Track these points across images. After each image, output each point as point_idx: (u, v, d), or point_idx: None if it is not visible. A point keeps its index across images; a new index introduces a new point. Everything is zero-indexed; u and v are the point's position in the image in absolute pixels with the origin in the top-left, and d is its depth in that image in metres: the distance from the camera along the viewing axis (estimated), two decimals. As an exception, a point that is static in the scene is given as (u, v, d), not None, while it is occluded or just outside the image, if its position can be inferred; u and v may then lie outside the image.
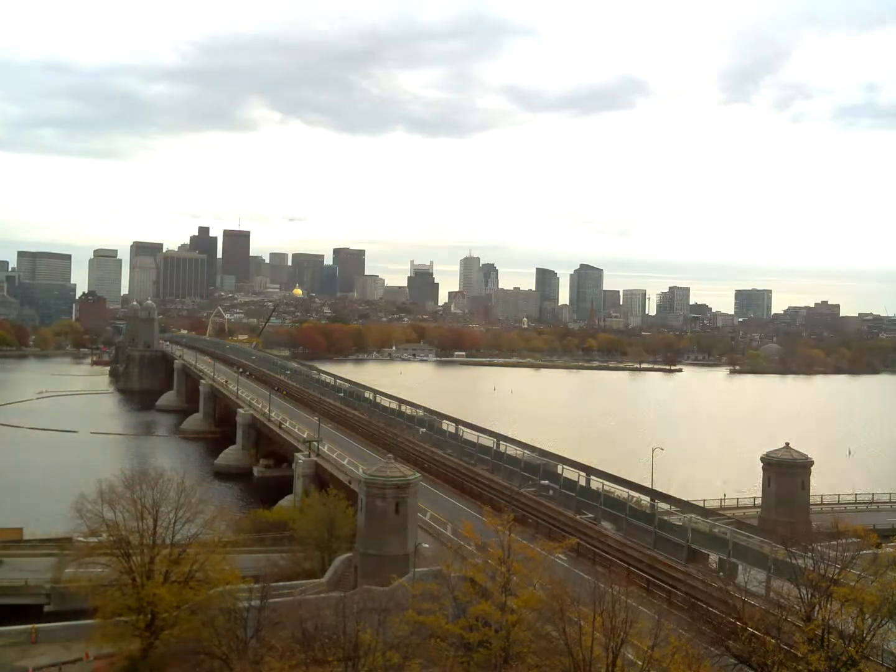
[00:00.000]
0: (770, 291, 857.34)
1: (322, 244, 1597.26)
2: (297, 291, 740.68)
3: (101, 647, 49.56)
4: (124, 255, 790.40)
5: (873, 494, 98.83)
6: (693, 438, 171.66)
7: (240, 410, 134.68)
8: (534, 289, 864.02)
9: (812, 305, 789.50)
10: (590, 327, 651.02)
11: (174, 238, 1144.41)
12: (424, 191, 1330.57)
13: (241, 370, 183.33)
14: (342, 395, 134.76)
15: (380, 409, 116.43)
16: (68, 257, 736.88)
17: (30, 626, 54.84)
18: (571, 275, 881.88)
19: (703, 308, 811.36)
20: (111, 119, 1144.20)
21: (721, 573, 48.78)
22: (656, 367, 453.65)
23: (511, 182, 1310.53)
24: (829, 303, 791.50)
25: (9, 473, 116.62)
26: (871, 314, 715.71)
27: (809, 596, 35.94)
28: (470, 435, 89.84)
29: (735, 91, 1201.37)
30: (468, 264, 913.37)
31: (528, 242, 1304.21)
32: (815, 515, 77.16)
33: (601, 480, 67.18)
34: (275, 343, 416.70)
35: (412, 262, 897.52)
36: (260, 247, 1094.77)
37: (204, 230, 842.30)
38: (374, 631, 37.92)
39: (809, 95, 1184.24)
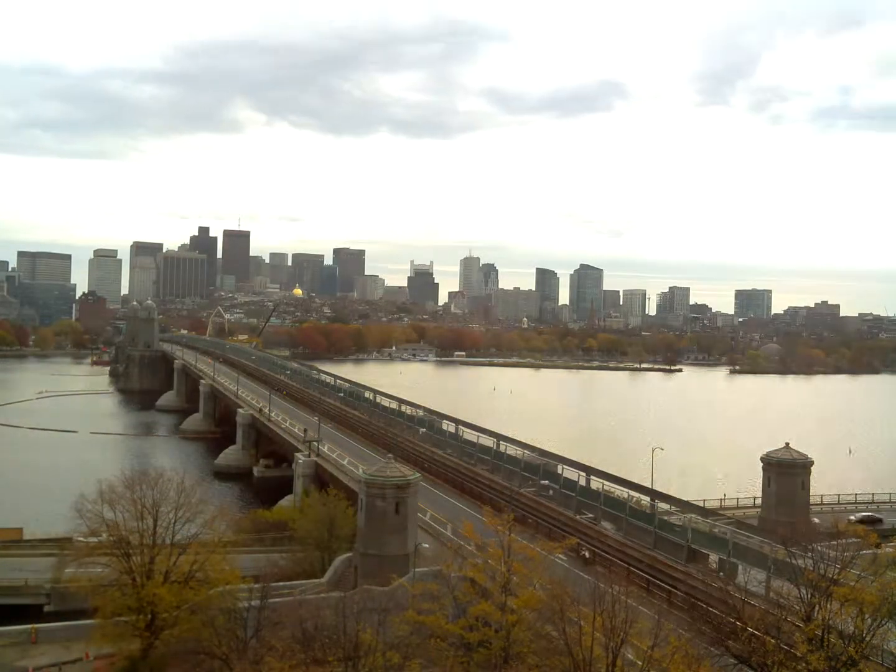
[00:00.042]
0: (770, 291, 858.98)
1: (322, 244, 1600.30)
2: (297, 291, 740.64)
3: (101, 647, 49.59)
4: (124, 255, 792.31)
5: (873, 494, 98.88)
6: (693, 438, 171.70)
7: (240, 410, 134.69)
8: (534, 289, 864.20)
9: (812, 305, 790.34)
10: (590, 327, 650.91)
11: (174, 238, 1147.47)
12: (424, 191, 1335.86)
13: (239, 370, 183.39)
14: (342, 395, 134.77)
15: (380, 409, 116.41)
16: (68, 257, 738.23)
17: (30, 626, 54.87)
18: (571, 275, 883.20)
19: (703, 308, 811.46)
20: (100, 121, 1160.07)
21: (721, 573, 48.76)
22: (656, 367, 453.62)
23: (508, 182, 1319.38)
24: (829, 303, 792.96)
25: (9, 473, 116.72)
26: (871, 314, 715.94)
27: (809, 596, 35.96)
28: (470, 435, 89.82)
29: (711, 94, 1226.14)
30: (468, 264, 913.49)
31: (528, 242, 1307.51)
32: (815, 515, 77.26)
33: (601, 480, 67.18)
34: (275, 343, 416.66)
35: (412, 262, 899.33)
36: (260, 247, 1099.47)
37: (204, 230, 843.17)
38: (374, 631, 37.93)
39: (785, 98, 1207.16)
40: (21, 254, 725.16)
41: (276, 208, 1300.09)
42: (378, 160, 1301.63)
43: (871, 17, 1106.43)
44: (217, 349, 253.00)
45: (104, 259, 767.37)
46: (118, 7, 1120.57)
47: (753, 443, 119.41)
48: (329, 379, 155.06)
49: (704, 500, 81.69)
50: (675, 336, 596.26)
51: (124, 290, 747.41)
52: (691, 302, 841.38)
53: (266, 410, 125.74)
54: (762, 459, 74.69)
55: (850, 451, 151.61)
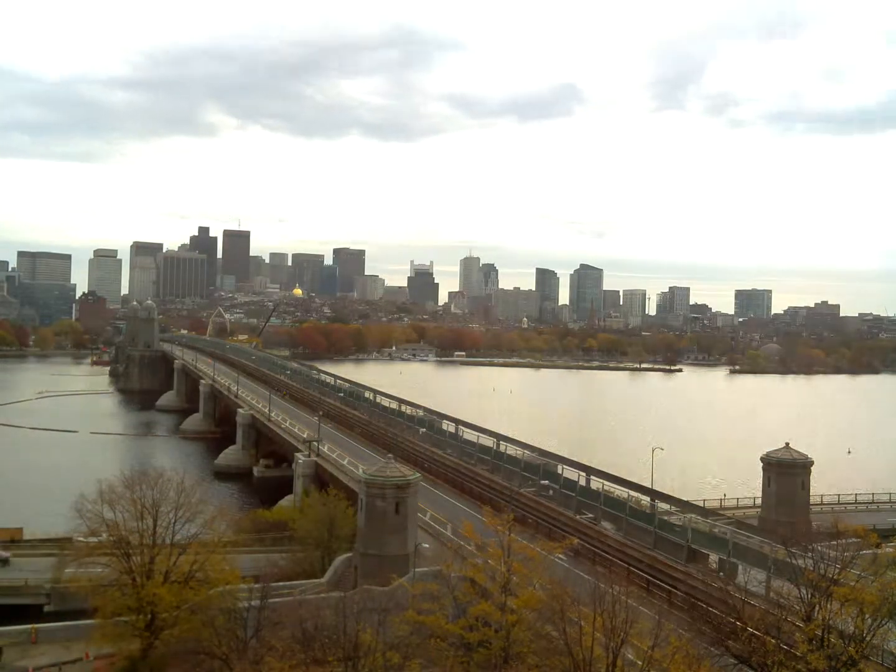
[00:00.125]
0: (770, 291, 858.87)
1: (322, 244, 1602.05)
2: (297, 291, 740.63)
3: (101, 647, 49.60)
4: (124, 256, 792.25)
5: (873, 494, 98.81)
6: (693, 438, 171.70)
7: (240, 410, 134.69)
8: (534, 289, 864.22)
9: (812, 305, 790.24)
10: (590, 327, 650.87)
11: (174, 238, 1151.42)
12: (422, 191, 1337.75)
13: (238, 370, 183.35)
14: (342, 395, 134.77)
15: (380, 409, 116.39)
16: (68, 257, 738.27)
17: (30, 626, 54.88)
18: (571, 275, 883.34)
19: (703, 308, 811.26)
20: (77, 125, 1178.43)
21: (721, 573, 48.77)
22: (656, 367, 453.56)
23: (506, 183, 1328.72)
24: (829, 303, 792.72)
25: (9, 473, 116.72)
26: (871, 314, 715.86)
27: (809, 596, 35.95)
28: (470, 435, 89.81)
29: (666, 98, 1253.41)
30: (468, 264, 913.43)
31: (529, 242, 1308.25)
32: (815, 515, 77.22)
33: (601, 480, 67.15)
34: (275, 343, 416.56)
35: (412, 262, 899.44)
36: (260, 247, 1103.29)
37: (204, 230, 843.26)
38: (374, 631, 37.92)
39: (738, 103, 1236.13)
40: (21, 254, 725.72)
41: (264, 209, 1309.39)
42: (365, 161, 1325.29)
43: (811, 25, 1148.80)
44: (217, 349, 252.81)
45: (104, 259, 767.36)
46: (83, 16, 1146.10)
47: (753, 443, 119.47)
48: (329, 379, 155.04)
49: (704, 500, 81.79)
50: (675, 336, 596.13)
51: (124, 290, 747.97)
52: (691, 302, 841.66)
53: (275, 416, 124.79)
54: (762, 459, 74.66)
55: (849, 452, 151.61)
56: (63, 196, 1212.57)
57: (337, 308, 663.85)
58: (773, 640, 34.36)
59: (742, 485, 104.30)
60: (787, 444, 74.01)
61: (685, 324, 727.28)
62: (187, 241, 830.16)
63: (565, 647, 35.03)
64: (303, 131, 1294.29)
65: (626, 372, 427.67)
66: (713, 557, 52.56)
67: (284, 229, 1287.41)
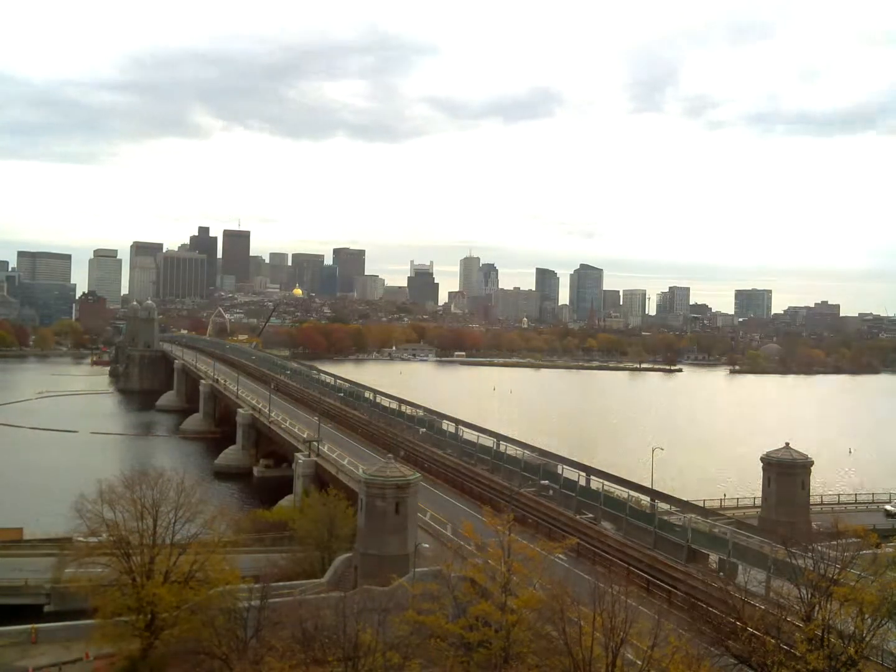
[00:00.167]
0: (770, 291, 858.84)
1: (322, 244, 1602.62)
2: (297, 291, 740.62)
3: (101, 647, 49.57)
4: (124, 256, 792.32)
5: (873, 494, 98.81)
6: (693, 438, 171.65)
7: (240, 410, 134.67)
8: (534, 289, 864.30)
9: (812, 305, 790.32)
10: (590, 327, 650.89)
11: (174, 238, 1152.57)
12: (421, 191, 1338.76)
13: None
14: (342, 395, 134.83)
15: (380, 409, 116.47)
16: (68, 257, 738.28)
17: (30, 626, 54.84)
18: (571, 275, 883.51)
19: (703, 308, 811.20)
20: (71, 127, 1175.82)
21: (721, 573, 48.80)
22: (656, 367, 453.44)
23: (496, 184, 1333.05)
24: (829, 303, 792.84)
25: (9, 473, 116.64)
26: (871, 314, 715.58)
27: (809, 596, 35.94)
28: (470, 435, 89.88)
29: (644, 100, 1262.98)
30: (468, 264, 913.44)
31: (528, 243, 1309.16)
32: (815, 515, 77.25)
33: (601, 480, 67.22)
34: (275, 343, 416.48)
35: (412, 262, 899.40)
36: (260, 247, 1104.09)
37: (204, 230, 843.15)
38: (374, 631, 37.95)
39: (716, 104, 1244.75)
40: (21, 254, 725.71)
41: (261, 209, 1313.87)
42: (355, 162, 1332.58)
43: (783, 26, 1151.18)
44: (217, 349, 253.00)
45: (104, 259, 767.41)
46: (69, 20, 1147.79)
47: (753, 442, 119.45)
48: (329, 379, 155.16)
49: (704, 500, 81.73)
50: (675, 336, 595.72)
51: (124, 290, 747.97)
52: (691, 302, 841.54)
53: (275, 416, 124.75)
54: (762, 459, 74.67)
55: (849, 452, 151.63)
56: (63, 196, 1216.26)
57: (337, 308, 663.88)
58: (772, 640, 34.37)
59: (742, 485, 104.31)
60: (787, 444, 74.03)
61: (685, 324, 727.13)
62: (187, 241, 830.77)
63: (565, 647, 35.05)
64: (290, 133, 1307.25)
65: (626, 372, 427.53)
66: (713, 557, 52.62)
67: (281, 230, 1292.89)
